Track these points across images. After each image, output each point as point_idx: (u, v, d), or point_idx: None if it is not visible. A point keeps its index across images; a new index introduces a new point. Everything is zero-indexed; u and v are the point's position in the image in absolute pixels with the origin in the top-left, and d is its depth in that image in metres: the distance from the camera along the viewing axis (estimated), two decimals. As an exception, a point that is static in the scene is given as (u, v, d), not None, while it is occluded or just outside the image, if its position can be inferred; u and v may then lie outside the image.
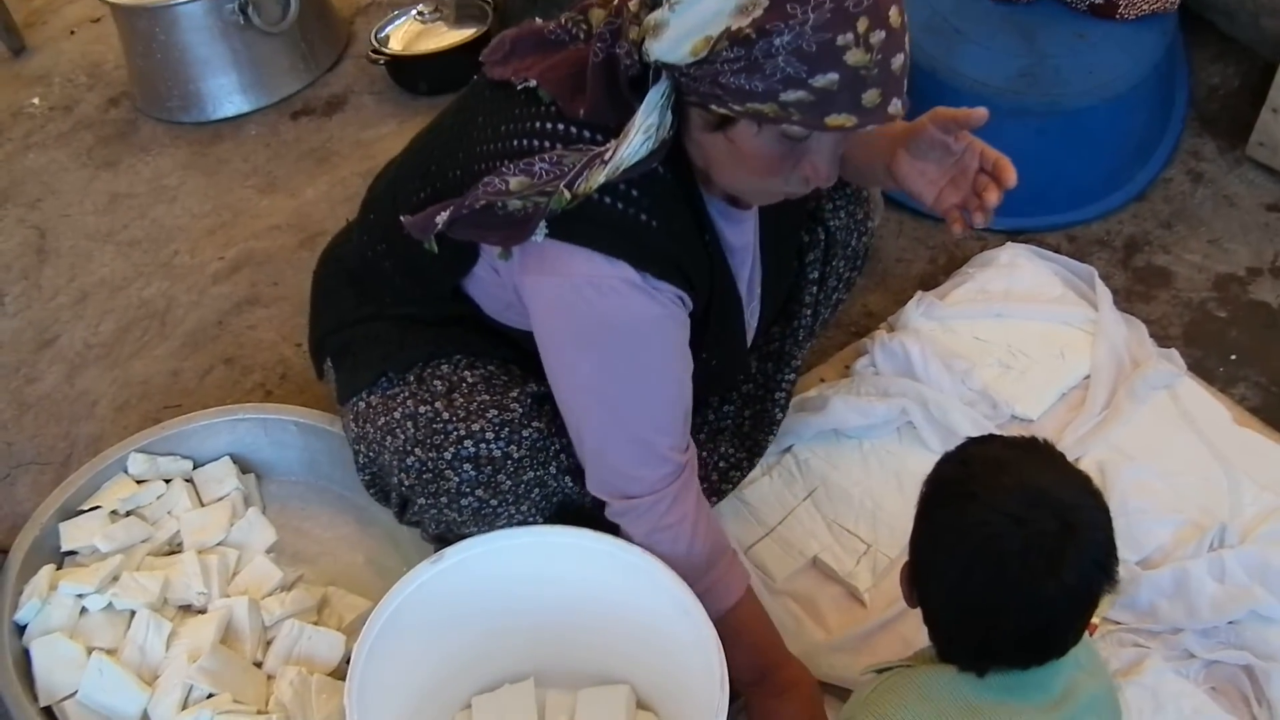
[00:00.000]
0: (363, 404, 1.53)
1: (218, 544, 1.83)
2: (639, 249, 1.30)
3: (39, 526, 1.80)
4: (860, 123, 1.15)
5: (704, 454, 1.72)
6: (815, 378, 2.02)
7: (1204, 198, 2.48)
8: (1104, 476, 1.82)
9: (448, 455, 1.43)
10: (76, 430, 2.22)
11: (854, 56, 1.11)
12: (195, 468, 1.94)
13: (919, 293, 2.13)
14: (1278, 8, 2.53)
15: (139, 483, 1.90)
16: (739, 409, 1.75)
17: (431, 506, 1.49)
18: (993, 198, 1.36)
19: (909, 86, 1.19)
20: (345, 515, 1.91)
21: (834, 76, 1.11)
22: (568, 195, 1.23)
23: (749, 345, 1.63)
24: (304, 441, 1.92)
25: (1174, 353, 2.06)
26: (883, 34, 1.12)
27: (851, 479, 1.85)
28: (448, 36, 3.00)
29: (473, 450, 1.42)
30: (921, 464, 1.26)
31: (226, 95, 2.97)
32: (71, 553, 1.82)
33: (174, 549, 1.85)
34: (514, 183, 1.24)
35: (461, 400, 1.44)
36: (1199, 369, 2.08)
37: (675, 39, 1.16)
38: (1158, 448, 1.89)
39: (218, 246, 2.59)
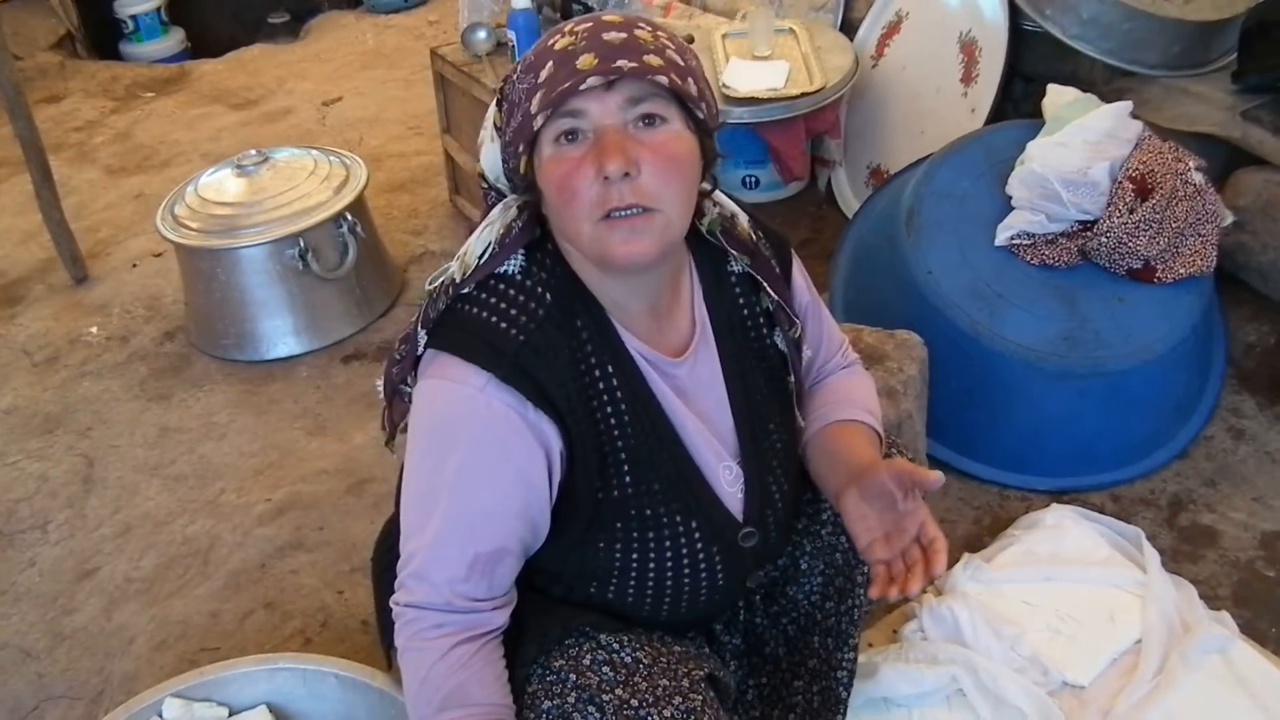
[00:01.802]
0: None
1: (248, 797, 1.79)
2: (493, 354, 1.35)
3: (68, 770, 1.77)
4: (577, 81, 1.26)
5: None
6: (864, 642, 1.99)
7: (1246, 455, 2.49)
8: (1160, 747, 1.77)
9: None
10: (111, 666, 2.20)
11: (561, 43, 1.30)
12: (230, 715, 1.90)
13: (966, 555, 2.13)
14: (1310, 269, 2.60)
15: (173, 729, 1.87)
16: (807, 684, 1.71)
17: None
18: (914, 586, 1.35)
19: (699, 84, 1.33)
20: (379, 770, 1.86)
21: (550, 63, 1.29)
22: (428, 288, 1.42)
23: (744, 519, 1.53)
24: (342, 694, 1.89)
25: (1225, 615, 2.03)
26: (590, 25, 1.31)
27: (901, 750, 1.81)
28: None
29: None
30: (972, 733, 1.23)
31: (280, 337, 3.06)
32: (99, 799, 1.78)
33: (203, 800, 1.81)
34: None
35: (645, 685, 1.41)
36: (1251, 631, 2.05)
37: (485, 159, 1.43)
38: (1214, 715, 1.85)
39: (264, 487, 2.61)
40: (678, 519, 1.47)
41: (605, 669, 1.41)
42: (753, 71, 3.15)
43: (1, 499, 2.64)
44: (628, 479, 1.44)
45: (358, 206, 3.10)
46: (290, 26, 5.93)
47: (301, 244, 2.95)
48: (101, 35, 5.74)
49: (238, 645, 2.18)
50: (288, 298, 3.03)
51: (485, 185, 1.46)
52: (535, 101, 1.28)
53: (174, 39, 5.79)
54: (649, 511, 1.45)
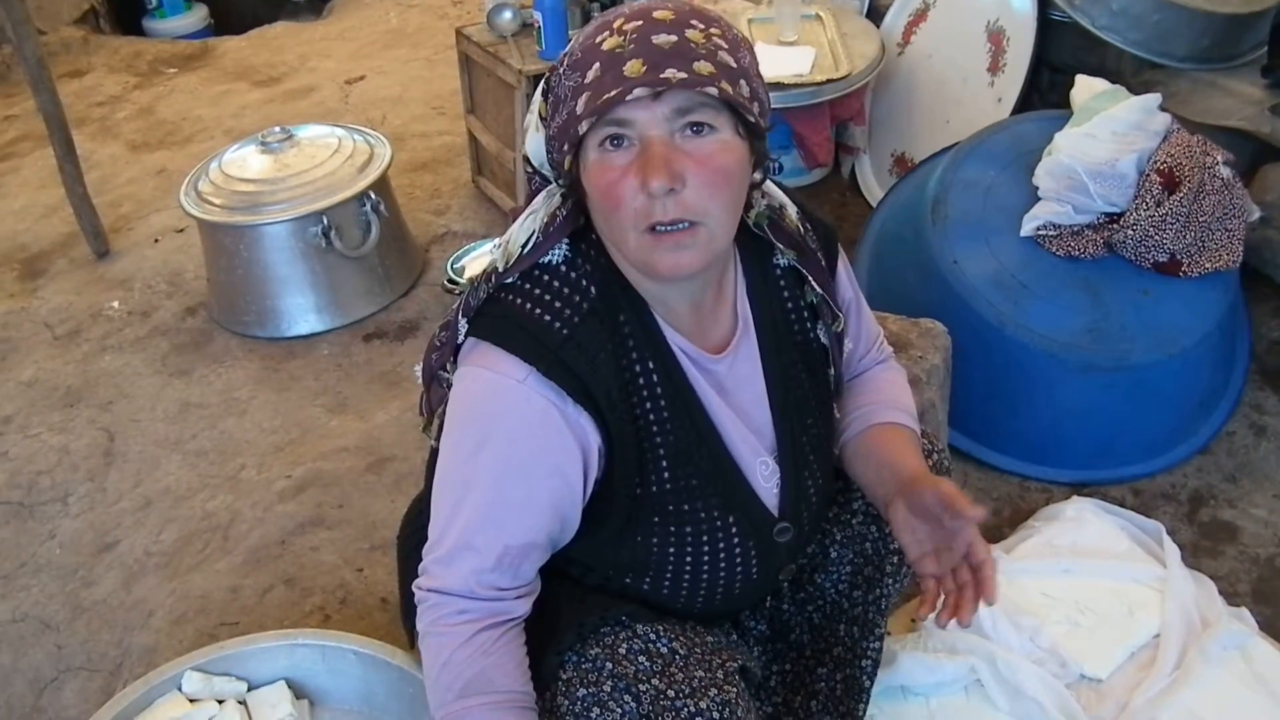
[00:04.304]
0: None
1: (267, 771, 1.80)
2: (536, 347, 1.34)
3: (87, 740, 1.78)
4: (624, 91, 1.22)
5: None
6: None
7: (1268, 451, 2.48)
8: (1177, 741, 1.77)
9: None
10: (130, 639, 2.20)
11: (609, 42, 1.26)
12: (249, 689, 1.91)
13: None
14: (1337, 266, 2.58)
15: (192, 701, 1.87)
16: (831, 672, 1.71)
17: None
18: (967, 615, 1.36)
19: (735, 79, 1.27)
20: (397, 748, 1.87)
21: (596, 64, 1.25)
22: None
23: (779, 514, 1.54)
24: (361, 671, 1.90)
25: (1244, 611, 2.03)
26: (639, 23, 1.26)
27: (918, 739, 1.82)
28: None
29: None
30: (990, 724, 1.24)
31: (302, 314, 3.06)
32: (119, 770, 1.79)
33: (223, 773, 1.81)
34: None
35: (682, 676, 1.41)
36: (1270, 628, 2.04)
37: (529, 145, 1.42)
38: (1232, 712, 1.85)
39: (285, 464, 2.61)
40: (715, 514, 1.47)
41: (642, 659, 1.41)
42: (778, 57, 3.15)
43: (23, 471, 2.65)
44: (666, 475, 1.44)
45: (381, 185, 3.10)
46: (313, 4, 5.95)
47: (325, 222, 2.95)
48: (125, 11, 5.76)
49: (257, 621, 2.19)
50: (310, 275, 3.03)
51: (530, 170, 1.45)
52: (580, 104, 1.26)
53: (197, 15, 5.81)
54: (686, 507, 1.45)
